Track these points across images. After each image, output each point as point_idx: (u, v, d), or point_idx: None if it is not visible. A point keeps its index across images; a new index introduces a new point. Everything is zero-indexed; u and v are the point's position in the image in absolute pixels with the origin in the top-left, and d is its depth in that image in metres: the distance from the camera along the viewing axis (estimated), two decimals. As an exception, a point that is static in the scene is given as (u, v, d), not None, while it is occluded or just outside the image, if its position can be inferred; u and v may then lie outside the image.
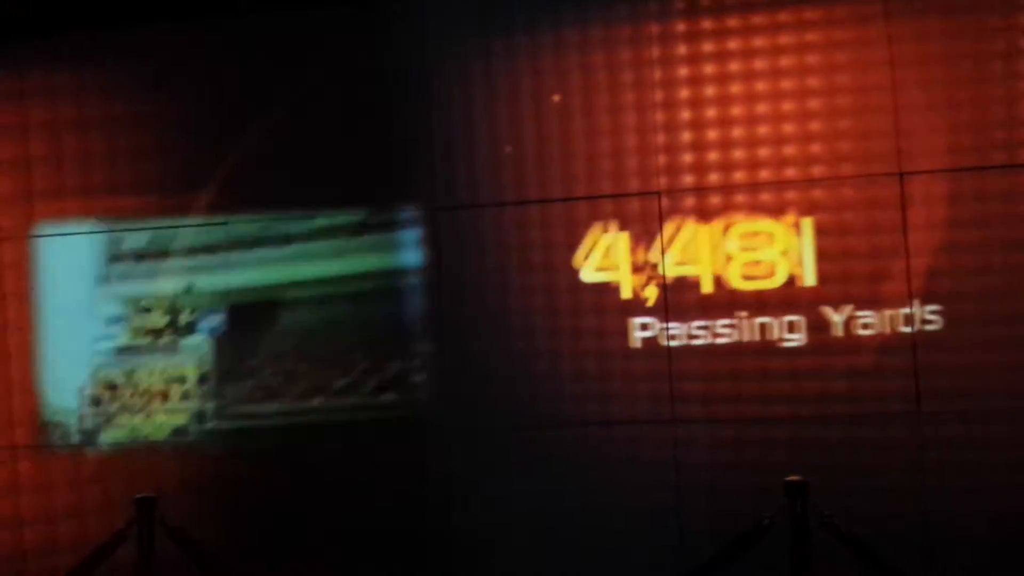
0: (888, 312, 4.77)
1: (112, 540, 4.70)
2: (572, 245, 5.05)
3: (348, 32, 5.32)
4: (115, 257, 5.48)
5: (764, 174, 4.91)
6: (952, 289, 4.72)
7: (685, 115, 4.99)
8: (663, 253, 4.97)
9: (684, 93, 4.99)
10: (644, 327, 4.96)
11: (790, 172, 4.88)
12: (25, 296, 5.52)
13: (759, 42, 4.94)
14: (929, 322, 4.73)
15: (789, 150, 4.88)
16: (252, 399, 5.32)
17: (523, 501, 5.01)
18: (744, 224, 4.91)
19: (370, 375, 5.24)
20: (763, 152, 4.90)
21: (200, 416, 5.37)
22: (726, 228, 4.92)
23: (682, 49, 5.00)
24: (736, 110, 4.93)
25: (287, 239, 5.32)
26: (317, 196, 5.28)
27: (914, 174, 4.76)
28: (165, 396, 5.43)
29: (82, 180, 5.49)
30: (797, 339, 4.82)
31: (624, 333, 4.98)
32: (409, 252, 5.21)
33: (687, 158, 4.97)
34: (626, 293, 4.99)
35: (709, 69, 4.97)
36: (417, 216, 5.20)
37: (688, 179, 4.97)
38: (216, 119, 5.38)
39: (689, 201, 4.97)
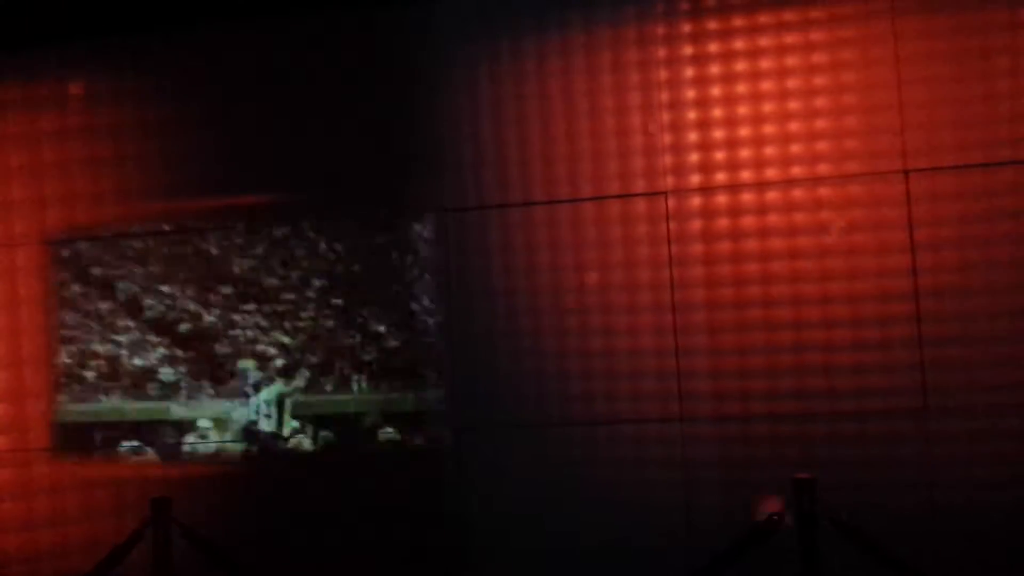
0: (894, 307, 4.78)
1: (128, 541, 4.76)
2: (579, 245, 5.08)
3: (357, 35, 5.35)
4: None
5: (770, 173, 4.93)
6: (958, 284, 4.73)
7: (691, 115, 5.02)
8: (670, 252, 5.00)
9: (690, 93, 5.02)
10: (651, 324, 4.99)
11: (796, 171, 4.90)
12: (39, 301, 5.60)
13: (764, 41, 4.96)
14: (935, 318, 4.75)
15: (795, 148, 4.91)
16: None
17: (531, 497, 5.05)
18: (750, 222, 4.93)
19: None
20: (768, 151, 4.93)
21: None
22: (733, 226, 4.94)
23: (688, 49, 5.03)
24: (742, 109, 4.97)
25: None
26: (328, 197, 5.33)
27: (919, 171, 4.78)
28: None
29: (95, 186, 5.57)
30: (804, 336, 4.85)
31: (632, 331, 5.01)
32: (419, 252, 5.26)
33: (693, 158, 5.00)
34: (633, 291, 5.02)
35: (715, 69, 5.00)
36: (427, 217, 5.25)
37: (694, 179, 5.00)
38: (226, 124, 5.43)
39: (695, 200, 5.00)
